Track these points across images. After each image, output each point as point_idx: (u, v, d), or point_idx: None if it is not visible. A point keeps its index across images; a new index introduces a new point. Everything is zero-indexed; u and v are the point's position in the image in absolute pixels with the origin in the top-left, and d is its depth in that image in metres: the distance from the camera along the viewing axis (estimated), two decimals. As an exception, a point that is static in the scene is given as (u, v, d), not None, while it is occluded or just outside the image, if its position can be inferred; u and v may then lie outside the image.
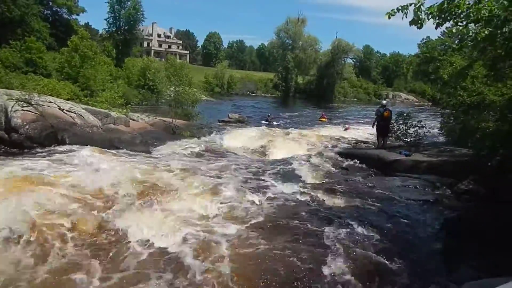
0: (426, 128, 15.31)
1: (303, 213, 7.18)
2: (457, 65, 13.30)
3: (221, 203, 7.51)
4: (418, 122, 15.51)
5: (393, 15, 4.74)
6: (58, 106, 13.36)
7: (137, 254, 5.46)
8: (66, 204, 6.48)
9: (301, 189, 8.87)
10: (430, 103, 71.16)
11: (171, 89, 20.16)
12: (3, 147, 11.55)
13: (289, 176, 10.44)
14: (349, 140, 18.04)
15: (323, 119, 29.37)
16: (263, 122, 23.70)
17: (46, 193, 6.71)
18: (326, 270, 5.17)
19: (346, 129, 29.45)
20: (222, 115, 26.73)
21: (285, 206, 7.66)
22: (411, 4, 4.54)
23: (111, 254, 5.43)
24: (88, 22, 77.97)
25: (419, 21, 4.62)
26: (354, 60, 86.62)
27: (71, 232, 5.80)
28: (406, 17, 4.64)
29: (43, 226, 5.73)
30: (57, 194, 6.76)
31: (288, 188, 8.96)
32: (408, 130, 15.13)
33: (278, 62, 73.31)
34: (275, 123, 24.57)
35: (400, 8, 4.62)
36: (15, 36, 31.91)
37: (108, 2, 46.67)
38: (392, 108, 15.62)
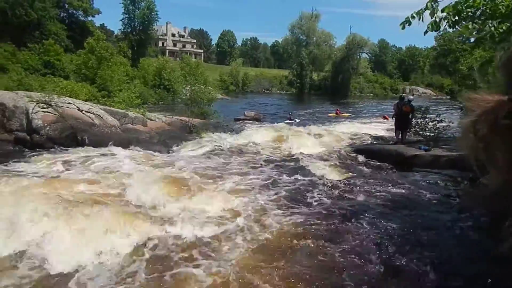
0: (445, 122, 15.05)
1: (323, 210, 7.17)
2: (477, 56, 13.02)
3: (241, 200, 7.56)
4: (436, 116, 15.25)
5: (408, 25, 4.65)
6: (77, 107, 13.57)
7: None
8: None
9: (320, 186, 8.84)
10: (448, 97, 69.92)
11: (187, 88, 20.24)
12: (19, 147, 11.81)
13: (307, 172, 10.41)
14: (366, 136, 17.86)
15: (338, 114, 29.17)
16: (286, 121, 23.35)
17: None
18: (346, 268, 5.14)
19: (337, 113, 29.35)
20: (238, 113, 26.75)
21: (304, 203, 7.65)
22: (425, 9, 4.44)
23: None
24: (103, 23, 78.80)
25: (436, 26, 4.53)
26: (370, 54, 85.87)
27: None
28: (422, 21, 4.55)
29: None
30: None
31: (306, 185, 8.95)
32: (427, 125, 14.89)
33: (292, 58, 73.07)
34: (297, 120, 24.38)
35: (414, 15, 4.53)
36: (33, 39, 32.57)
37: (122, 3, 47.25)
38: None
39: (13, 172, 8.75)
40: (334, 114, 29.35)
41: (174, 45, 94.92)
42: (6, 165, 9.43)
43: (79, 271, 4.88)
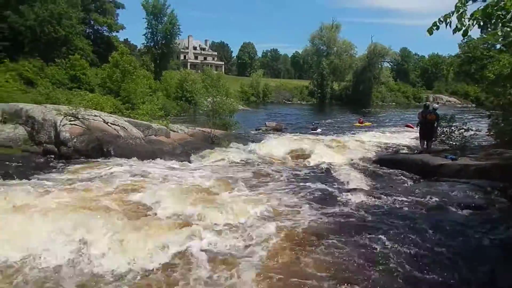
0: (472, 130, 14.69)
1: (347, 220, 7.08)
2: (505, 62, 12.69)
3: (265, 209, 7.55)
4: (463, 124, 14.91)
5: (436, 29, 4.54)
6: (103, 119, 13.87)
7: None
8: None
9: (344, 196, 8.74)
10: (473, 105, 68.38)
11: (209, 99, 20.45)
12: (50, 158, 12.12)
13: (331, 182, 10.32)
14: (390, 145, 17.62)
15: (361, 124, 28.95)
16: (311, 132, 23.21)
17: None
18: (371, 278, 5.05)
19: (360, 122, 29.08)
20: (259, 123, 26.84)
21: (327, 213, 7.56)
22: (453, 12, 4.35)
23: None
24: (127, 38, 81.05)
25: (464, 28, 4.41)
26: (391, 63, 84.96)
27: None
28: (450, 26, 4.43)
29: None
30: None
31: (330, 194, 8.87)
32: (453, 133, 14.56)
33: (313, 69, 73.23)
34: (319, 130, 24.25)
35: (441, 19, 4.43)
36: (61, 55, 33.54)
37: (145, 18, 48.28)
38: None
39: (47, 183, 8.98)
40: (358, 124, 29.17)
41: (196, 57, 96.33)
42: (42, 176, 9.72)
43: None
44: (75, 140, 12.33)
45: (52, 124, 12.72)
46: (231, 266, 5.35)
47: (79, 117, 13.24)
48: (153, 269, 5.31)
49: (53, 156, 12.13)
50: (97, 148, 12.53)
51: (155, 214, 7.17)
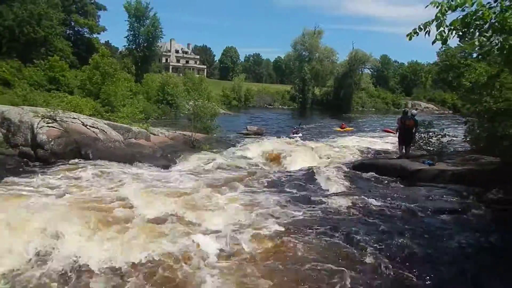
0: (449, 136, 15.02)
1: (325, 225, 7.08)
2: (481, 71, 13.02)
3: (243, 213, 7.52)
4: (440, 130, 15.23)
5: (415, 35, 4.65)
6: (81, 122, 13.65)
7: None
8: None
9: (323, 199, 8.80)
10: (450, 111, 70.00)
11: (190, 103, 20.35)
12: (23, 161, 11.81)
13: (310, 186, 10.40)
14: (369, 150, 17.85)
15: (343, 129, 29.24)
16: (292, 135, 23.03)
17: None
18: (345, 280, 5.11)
19: (342, 127, 29.39)
20: (240, 127, 26.83)
21: (306, 216, 7.59)
22: (433, 21, 4.46)
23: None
24: (108, 40, 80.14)
25: (443, 38, 4.53)
26: (372, 70, 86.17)
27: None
28: (428, 35, 4.55)
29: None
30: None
31: (308, 198, 8.93)
32: (430, 139, 14.85)
33: (295, 74, 73.62)
34: (300, 134, 24.15)
35: (421, 27, 4.54)
36: (40, 56, 32.91)
37: (127, 20, 47.85)
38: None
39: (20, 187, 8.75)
40: (340, 129, 29.46)
41: (178, 61, 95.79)
42: (16, 179, 9.46)
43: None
44: (52, 142, 12.07)
45: (29, 127, 12.43)
46: (210, 268, 5.32)
47: (57, 119, 12.99)
48: (129, 271, 5.27)
49: (29, 159, 11.84)
50: (75, 151, 12.30)
51: (134, 218, 7.05)
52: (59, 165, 11.40)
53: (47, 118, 12.83)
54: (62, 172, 10.39)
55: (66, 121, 13.17)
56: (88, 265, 5.32)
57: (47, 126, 12.51)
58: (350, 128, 30.36)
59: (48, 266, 5.26)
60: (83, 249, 5.58)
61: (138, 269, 5.33)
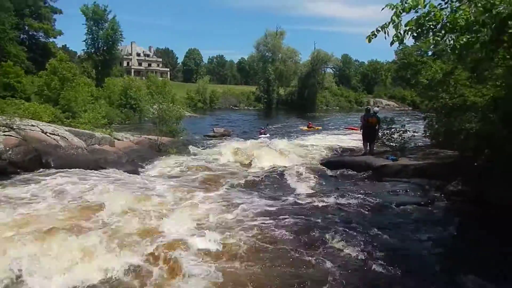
0: (409, 132, 15.52)
1: (293, 224, 7.15)
2: (437, 68, 13.56)
3: (212, 215, 7.49)
4: (401, 126, 15.72)
5: (374, 37, 4.81)
6: (41, 129, 13.11)
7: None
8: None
9: (291, 199, 8.90)
10: (410, 108, 72.52)
11: (155, 106, 20.02)
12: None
13: (279, 185, 10.50)
14: (335, 148, 18.18)
15: (309, 128, 29.56)
16: (260, 136, 23.03)
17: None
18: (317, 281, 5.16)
19: (309, 126, 29.82)
20: (206, 130, 26.66)
21: (275, 215, 7.64)
22: (389, 23, 4.63)
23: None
24: (65, 45, 77.55)
25: (400, 38, 4.72)
26: (334, 69, 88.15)
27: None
28: (388, 35, 4.71)
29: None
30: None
31: (277, 197, 9.01)
32: (393, 135, 15.29)
33: (259, 75, 74.14)
34: (267, 134, 24.17)
35: (379, 29, 4.70)
36: (-9, 62, 31.44)
37: (85, 24, 46.52)
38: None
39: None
40: (306, 128, 29.77)
41: (140, 64, 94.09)
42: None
43: None
44: (10, 152, 11.49)
45: (-16, 136, 11.80)
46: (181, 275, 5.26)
47: (14, 127, 12.40)
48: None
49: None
50: (35, 159, 11.78)
51: (105, 225, 6.84)
52: (18, 175, 10.87)
53: (3, 126, 12.23)
54: (22, 183, 9.87)
55: (24, 129, 12.60)
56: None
57: (4, 134, 11.90)
58: (318, 127, 30.71)
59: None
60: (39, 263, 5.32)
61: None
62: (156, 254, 5.77)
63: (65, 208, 7.64)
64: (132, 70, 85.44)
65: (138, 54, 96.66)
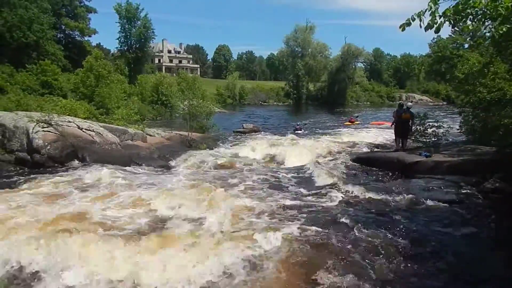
0: (444, 127, 15.06)
1: (325, 219, 7.13)
2: (474, 61, 13.06)
3: (247, 211, 7.54)
4: (435, 121, 15.28)
5: (409, 25, 4.64)
6: (77, 125, 13.59)
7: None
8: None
9: (322, 195, 8.82)
10: (445, 103, 70.41)
11: (185, 103, 20.29)
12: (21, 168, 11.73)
13: (310, 181, 10.42)
14: (367, 145, 17.89)
15: (352, 123, 29.35)
16: (295, 131, 23.23)
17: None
18: (349, 276, 5.13)
19: (351, 121, 29.53)
20: (236, 125, 26.80)
21: (309, 210, 7.62)
22: (425, 11, 4.46)
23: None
24: (100, 43, 79.30)
25: (436, 25, 4.52)
26: (365, 64, 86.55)
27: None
28: (423, 24, 4.53)
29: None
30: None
31: (309, 194, 8.96)
32: (426, 131, 14.88)
33: (288, 70, 73.78)
34: (302, 131, 24.21)
35: (415, 17, 4.52)
36: (31, 60, 32.69)
37: (118, 22, 47.60)
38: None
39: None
40: (349, 123, 29.58)
41: (171, 61, 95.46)
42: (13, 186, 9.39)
43: None
44: (48, 147, 12.01)
45: (24, 132, 12.36)
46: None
47: (52, 123, 12.93)
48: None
49: (26, 164, 11.78)
50: (72, 154, 12.26)
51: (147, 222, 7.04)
52: (57, 169, 11.36)
53: (42, 122, 12.77)
54: (61, 177, 10.23)
55: (62, 125, 13.10)
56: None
57: (43, 130, 12.44)
58: (357, 122, 30.50)
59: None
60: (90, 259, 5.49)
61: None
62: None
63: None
64: (163, 67, 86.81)
65: (169, 51, 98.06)
